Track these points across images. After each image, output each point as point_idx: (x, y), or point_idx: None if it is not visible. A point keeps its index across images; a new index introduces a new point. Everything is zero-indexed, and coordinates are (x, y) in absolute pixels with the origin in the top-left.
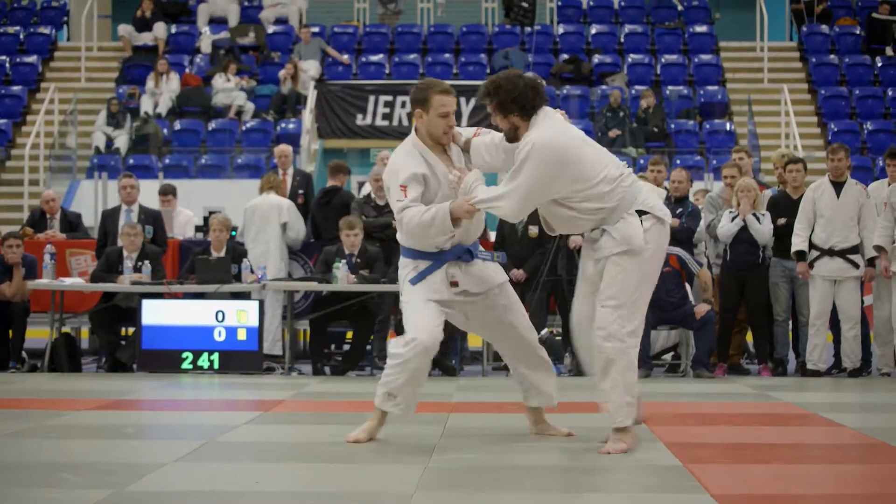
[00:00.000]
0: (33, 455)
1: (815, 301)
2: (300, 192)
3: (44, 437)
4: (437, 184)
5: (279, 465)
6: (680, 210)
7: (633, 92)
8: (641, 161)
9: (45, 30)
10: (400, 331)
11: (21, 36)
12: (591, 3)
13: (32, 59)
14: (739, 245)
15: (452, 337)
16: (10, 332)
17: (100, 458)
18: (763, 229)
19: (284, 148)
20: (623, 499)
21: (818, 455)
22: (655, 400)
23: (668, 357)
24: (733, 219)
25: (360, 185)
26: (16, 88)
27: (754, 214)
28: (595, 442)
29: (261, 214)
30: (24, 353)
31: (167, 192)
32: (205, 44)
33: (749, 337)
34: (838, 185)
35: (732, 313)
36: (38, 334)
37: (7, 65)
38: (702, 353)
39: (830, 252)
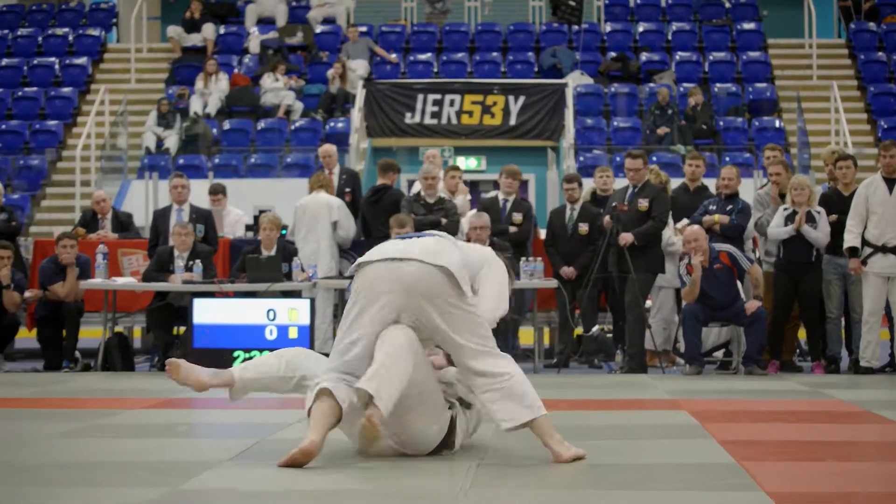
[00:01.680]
0: (87, 454)
1: (869, 298)
2: (347, 190)
3: (97, 436)
4: None
5: (330, 463)
6: (730, 207)
7: (681, 89)
8: None
9: (95, 31)
10: None
11: (70, 38)
12: (639, 1)
13: (82, 60)
14: (793, 242)
15: (503, 334)
16: (64, 331)
17: (153, 456)
18: (820, 237)
19: (328, 148)
20: (677, 497)
21: (872, 453)
22: (707, 397)
23: (719, 354)
24: (787, 218)
25: (410, 183)
26: (66, 90)
27: (809, 212)
28: (646, 439)
29: (311, 213)
30: (77, 353)
31: (217, 192)
32: (253, 44)
33: (801, 334)
34: (891, 182)
35: (786, 311)
36: (92, 334)
37: (57, 66)
38: (753, 349)
39: (884, 249)
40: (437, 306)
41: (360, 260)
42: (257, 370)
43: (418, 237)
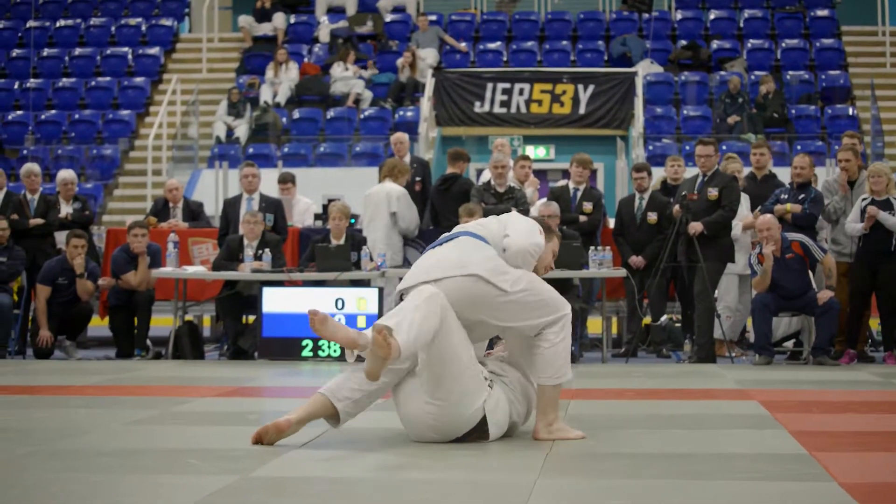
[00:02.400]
0: (159, 441)
1: None
2: (417, 178)
3: (169, 423)
4: None
5: (401, 451)
6: (802, 196)
7: (753, 77)
8: None
9: (167, 21)
10: None
11: (143, 28)
12: None
13: (155, 50)
14: (873, 231)
15: (573, 323)
16: (136, 320)
17: (224, 444)
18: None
19: (401, 136)
20: (749, 487)
21: None
22: (778, 387)
23: (789, 344)
24: (863, 208)
25: (479, 172)
26: (139, 80)
27: (888, 199)
28: (717, 429)
29: (374, 202)
30: (148, 341)
31: (286, 181)
32: (323, 33)
33: (873, 324)
34: None
35: (863, 300)
36: (162, 322)
37: (130, 56)
38: (823, 340)
39: None
40: (484, 311)
41: (399, 287)
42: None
43: (447, 241)
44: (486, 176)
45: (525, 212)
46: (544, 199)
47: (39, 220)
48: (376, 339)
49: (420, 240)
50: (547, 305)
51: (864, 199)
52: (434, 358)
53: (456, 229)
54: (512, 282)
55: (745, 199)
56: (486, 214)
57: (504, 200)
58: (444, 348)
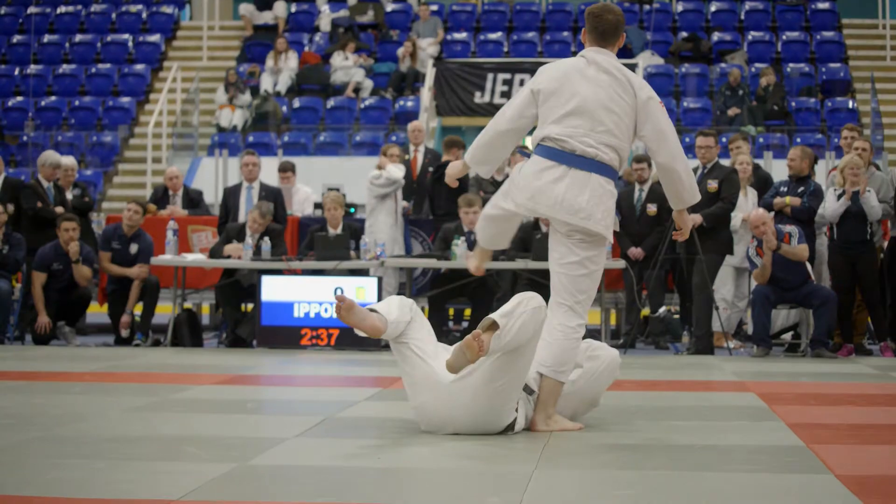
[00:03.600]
0: (158, 428)
1: None
2: (430, 169)
3: (168, 410)
4: None
5: (400, 440)
6: (801, 189)
7: (753, 70)
8: (761, 140)
9: (168, 9)
10: None
11: (144, 15)
12: None
13: (155, 38)
14: (846, 222)
15: None
16: (139, 306)
17: (222, 432)
18: (877, 207)
19: (417, 124)
20: (746, 479)
21: None
22: (776, 380)
23: (787, 336)
24: (839, 197)
25: None
26: (139, 67)
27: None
28: (715, 421)
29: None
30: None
31: (286, 169)
32: (324, 22)
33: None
34: None
35: (847, 292)
36: (161, 310)
37: (130, 44)
38: (821, 332)
39: None
40: None
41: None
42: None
43: None
44: None
45: None
46: None
47: (60, 209)
48: (470, 343)
49: (419, 230)
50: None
51: (836, 190)
52: (509, 365)
53: None
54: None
55: (752, 194)
56: (484, 203)
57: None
58: (522, 361)
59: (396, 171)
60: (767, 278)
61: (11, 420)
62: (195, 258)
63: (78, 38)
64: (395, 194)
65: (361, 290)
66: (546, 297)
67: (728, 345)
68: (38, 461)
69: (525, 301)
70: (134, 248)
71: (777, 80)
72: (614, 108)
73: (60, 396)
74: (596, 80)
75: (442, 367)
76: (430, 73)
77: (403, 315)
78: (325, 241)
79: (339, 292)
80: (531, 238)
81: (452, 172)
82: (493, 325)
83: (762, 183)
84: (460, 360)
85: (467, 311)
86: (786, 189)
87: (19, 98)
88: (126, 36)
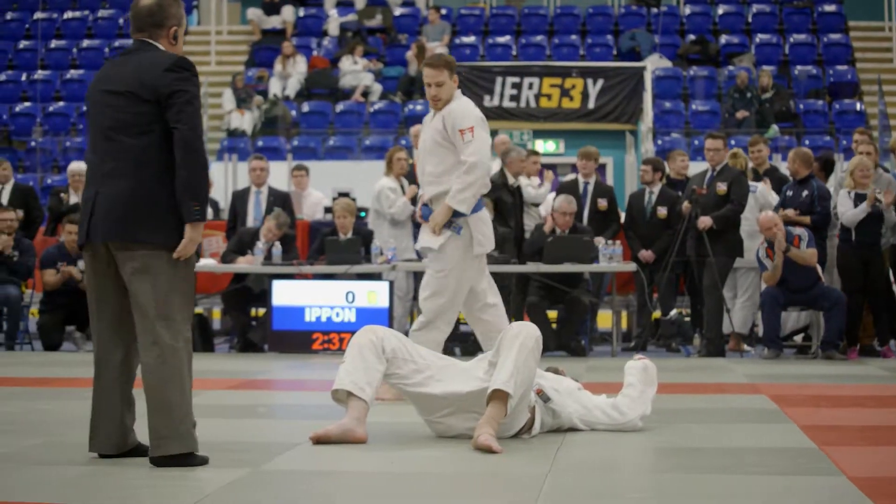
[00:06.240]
0: None
1: None
2: None
3: None
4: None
5: (412, 445)
6: (805, 192)
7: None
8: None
9: None
10: (530, 311)
11: None
12: None
13: None
14: (867, 224)
15: (582, 317)
16: None
17: (234, 437)
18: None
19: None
20: (758, 481)
21: None
22: (786, 382)
23: (798, 338)
24: (855, 200)
25: None
26: None
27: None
28: (727, 423)
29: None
30: None
31: (301, 168)
32: (332, 26)
33: None
34: None
35: (858, 294)
36: None
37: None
38: (832, 334)
39: None
40: None
41: None
42: (372, 385)
43: None
44: (493, 169)
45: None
46: (563, 195)
47: None
48: (480, 445)
49: None
50: None
51: (849, 193)
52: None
53: None
54: None
55: (772, 196)
56: (502, 208)
57: (515, 195)
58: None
59: (406, 209)
60: (777, 280)
61: (19, 426)
62: (205, 263)
63: (85, 43)
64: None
65: (373, 294)
66: (554, 299)
67: (740, 349)
68: (46, 467)
69: (523, 345)
70: None
71: (778, 83)
72: None
73: (69, 402)
74: None
75: (446, 375)
76: None
77: (373, 370)
78: (336, 246)
79: (350, 297)
80: (542, 242)
81: (440, 220)
82: (503, 395)
83: (780, 185)
84: (474, 445)
85: None
86: (791, 193)
87: (27, 104)
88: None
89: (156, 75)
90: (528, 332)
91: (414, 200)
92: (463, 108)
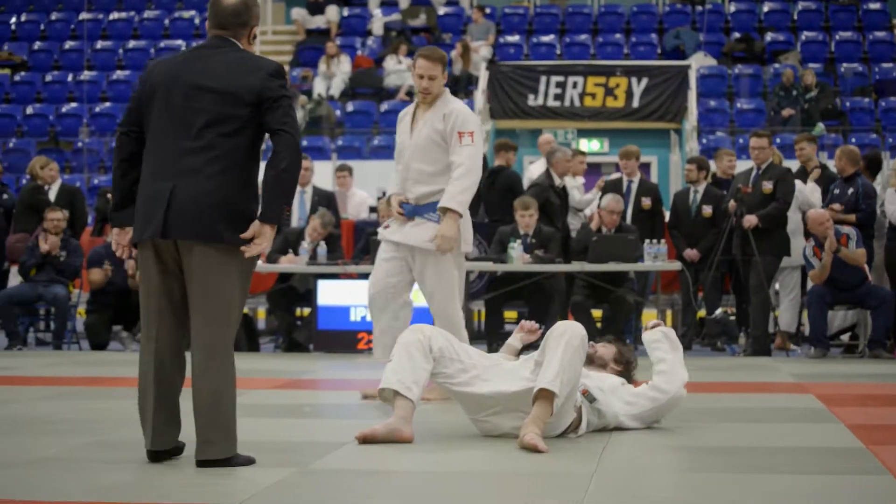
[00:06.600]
0: None
1: None
2: None
3: None
4: (404, 132)
5: (457, 443)
6: (851, 191)
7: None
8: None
9: None
10: (575, 310)
11: (196, 21)
12: None
13: None
14: None
15: (627, 316)
16: None
17: (280, 436)
18: None
19: None
20: (805, 480)
21: None
22: (834, 381)
23: (845, 337)
24: None
25: (531, 163)
26: None
27: None
28: (773, 423)
29: None
30: None
31: (343, 169)
32: (376, 26)
33: None
34: None
35: None
36: None
37: (183, 49)
38: (879, 332)
39: None
40: None
41: None
42: (419, 384)
43: None
44: (538, 168)
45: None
46: (611, 194)
47: None
48: (527, 444)
49: (474, 233)
50: None
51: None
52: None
53: None
54: None
55: (817, 191)
56: (548, 209)
57: (561, 196)
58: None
59: None
60: (825, 279)
61: (67, 425)
62: None
63: (131, 44)
64: None
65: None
66: (599, 298)
67: (786, 347)
68: (93, 466)
69: (568, 344)
70: None
71: (824, 81)
72: None
73: (117, 401)
74: None
75: (492, 375)
76: (483, 76)
77: (420, 369)
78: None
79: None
80: (588, 241)
81: (452, 235)
82: (549, 395)
83: (829, 183)
84: (519, 445)
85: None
86: (838, 191)
87: (73, 104)
88: (179, 42)
89: (261, 79)
90: (573, 332)
91: None
92: (467, 112)
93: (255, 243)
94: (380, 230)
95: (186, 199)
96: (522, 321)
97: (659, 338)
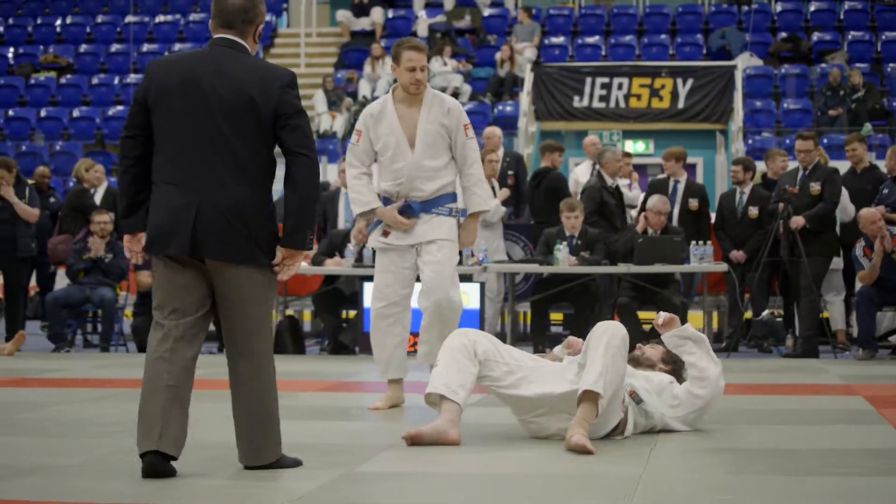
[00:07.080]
0: None
1: None
2: (510, 172)
3: None
4: (392, 131)
5: (504, 445)
6: None
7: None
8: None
9: (266, 17)
10: (621, 311)
11: None
12: None
13: None
14: None
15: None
16: None
17: (328, 438)
18: None
19: (492, 130)
20: (855, 482)
21: None
22: (881, 382)
23: (893, 339)
24: None
25: (576, 165)
26: None
27: None
28: (822, 424)
29: None
30: None
31: None
32: (421, 28)
33: None
34: None
35: None
36: None
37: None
38: None
39: None
40: None
41: None
42: (465, 388)
43: None
44: (584, 170)
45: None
46: (657, 195)
47: None
48: (575, 446)
49: (520, 234)
50: None
51: None
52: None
53: None
54: None
55: (844, 193)
56: (605, 210)
57: (616, 196)
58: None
59: (498, 211)
60: (874, 279)
61: (117, 427)
62: None
63: (177, 47)
64: None
65: (464, 296)
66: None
67: (834, 345)
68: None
69: (609, 344)
70: None
71: (868, 80)
72: None
73: None
74: None
75: (538, 377)
76: (528, 78)
77: (466, 373)
78: None
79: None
80: (634, 242)
81: (474, 239)
82: (593, 396)
83: (878, 183)
84: (567, 446)
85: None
86: (887, 191)
87: (119, 107)
88: None
89: (277, 89)
90: (613, 331)
91: (506, 203)
92: (459, 104)
93: (286, 265)
94: (380, 239)
95: (213, 216)
96: (570, 337)
97: (679, 335)
